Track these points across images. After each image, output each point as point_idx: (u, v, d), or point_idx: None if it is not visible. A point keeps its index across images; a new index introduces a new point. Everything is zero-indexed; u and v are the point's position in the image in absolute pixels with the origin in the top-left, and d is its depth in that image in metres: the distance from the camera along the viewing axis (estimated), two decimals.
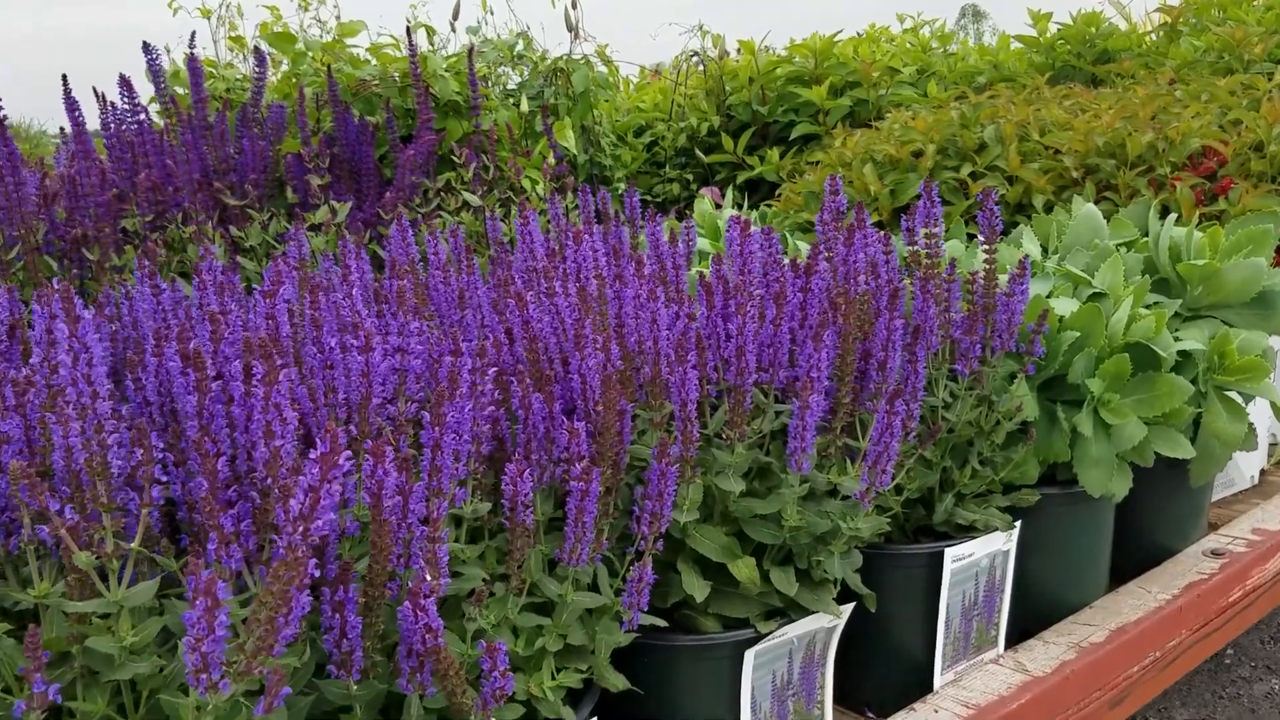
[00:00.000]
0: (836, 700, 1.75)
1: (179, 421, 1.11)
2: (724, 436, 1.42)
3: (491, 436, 1.35)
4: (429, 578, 1.07)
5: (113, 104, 2.87)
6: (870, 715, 1.72)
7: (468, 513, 1.23)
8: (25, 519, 1.00)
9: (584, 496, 1.18)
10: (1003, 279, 1.67)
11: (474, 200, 2.77)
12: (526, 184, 3.12)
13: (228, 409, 1.05)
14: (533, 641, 1.23)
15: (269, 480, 0.98)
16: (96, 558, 0.96)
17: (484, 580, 1.25)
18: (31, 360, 1.07)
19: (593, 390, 1.33)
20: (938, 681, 1.67)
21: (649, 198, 4.08)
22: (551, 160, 2.96)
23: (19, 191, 2.21)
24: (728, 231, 1.55)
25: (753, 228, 1.54)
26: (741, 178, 3.79)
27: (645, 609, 1.26)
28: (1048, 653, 1.75)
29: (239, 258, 2.57)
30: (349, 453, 0.83)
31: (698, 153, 3.93)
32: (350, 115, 3.03)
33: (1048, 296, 1.87)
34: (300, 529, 0.84)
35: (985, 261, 1.64)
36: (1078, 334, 1.74)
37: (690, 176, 4.05)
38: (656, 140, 4.17)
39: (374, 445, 1.00)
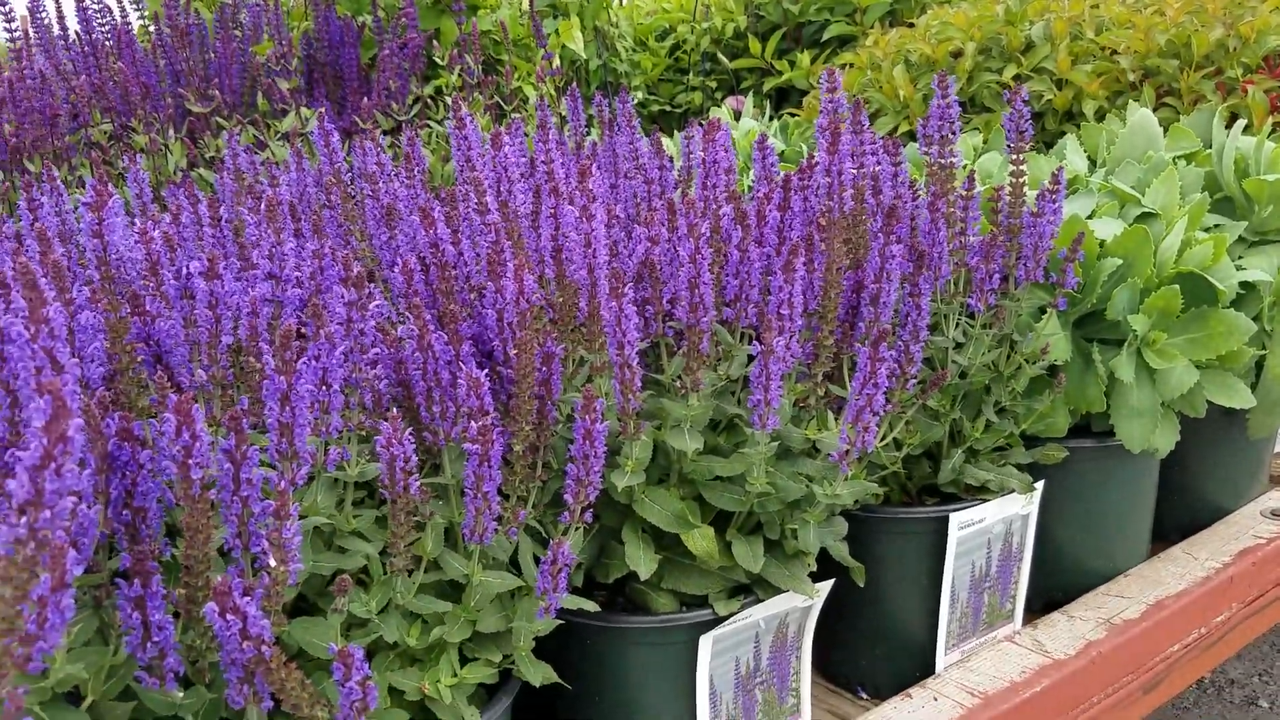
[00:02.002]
0: (826, 677, 1.54)
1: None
2: (679, 384, 1.19)
3: (398, 382, 1.13)
4: (273, 563, 0.86)
5: (77, 2, 2.65)
6: (863, 696, 1.51)
7: (352, 475, 1.02)
8: None
9: (483, 462, 0.96)
10: (1033, 196, 1.40)
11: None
12: (528, 90, 2.85)
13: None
14: (431, 630, 1.03)
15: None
16: None
17: (381, 555, 1.05)
18: None
19: (511, 328, 1.11)
20: (940, 663, 1.45)
21: (671, 108, 3.79)
22: (548, 62, 2.68)
23: None
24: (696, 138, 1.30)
25: (725, 132, 1.28)
26: (769, 85, 3.47)
27: (564, 593, 1.04)
28: (1072, 630, 1.52)
29: (201, 170, 2.36)
30: (79, 421, 0.62)
31: (722, 58, 3.62)
32: (332, 13, 2.78)
33: (1089, 217, 1.59)
34: (26, 521, 0.63)
35: (1011, 174, 1.37)
36: (1120, 262, 1.47)
37: (714, 84, 3.74)
38: (680, 44, 3.86)
39: (179, 401, 0.78)
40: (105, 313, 0.97)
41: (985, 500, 1.40)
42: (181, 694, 0.85)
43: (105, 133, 2.40)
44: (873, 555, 1.37)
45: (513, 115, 2.59)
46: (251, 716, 0.86)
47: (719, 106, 3.43)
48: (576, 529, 1.07)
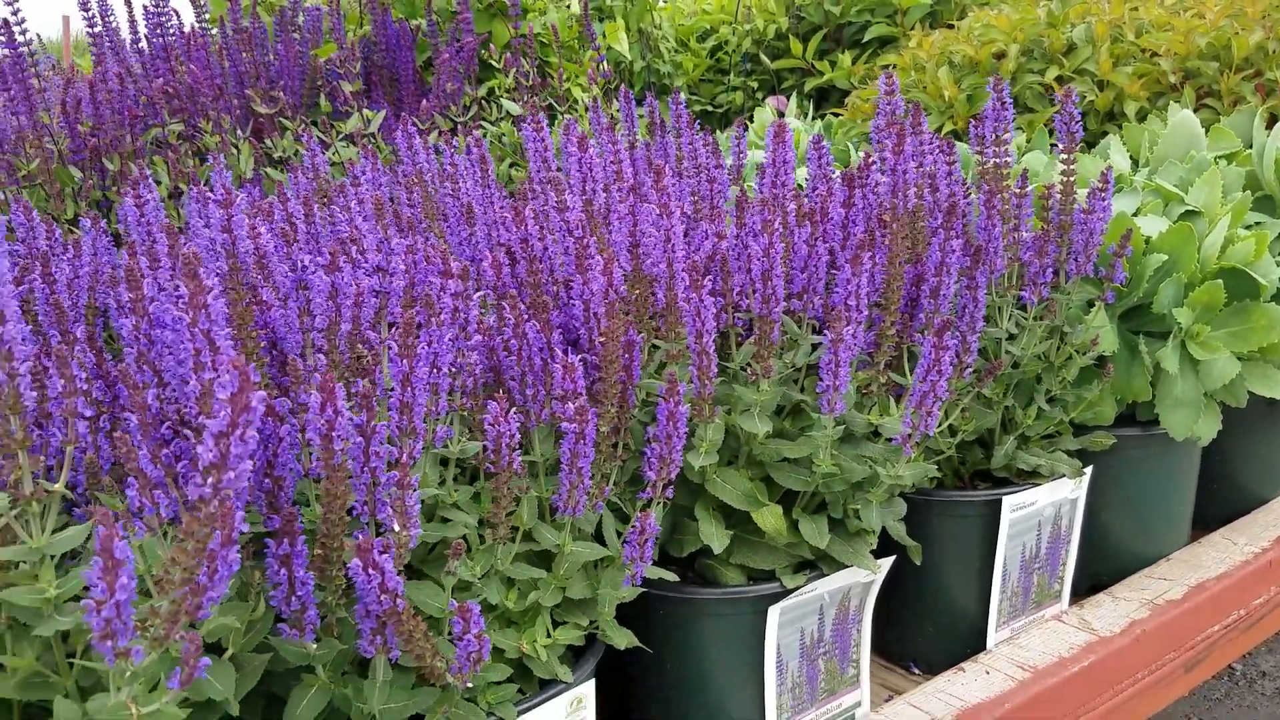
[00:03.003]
0: (879, 653, 1.61)
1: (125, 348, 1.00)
2: (750, 371, 1.26)
3: (489, 367, 1.21)
4: (397, 528, 0.95)
5: (144, 8, 2.75)
6: (915, 671, 1.58)
7: (455, 452, 1.11)
8: None
9: (578, 440, 1.05)
10: (1082, 194, 1.47)
11: (514, 109, 2.60)
12: (577, 92, 2.94)
13: (166, 334, 0.93)
14: (526, 594, 1.11)
15: (201, 418, 0.86)
16: (14, 501, 0.85)
17: (478, 525, 1.13)
18: None
19: (596, 318, 1.19)
20: (992, 639, 1.52)
21: (712, 108, 3.86)
22: (599, 65, 2.77)
23: (29, 99, 2.12)
24: (766, 138, 1.38)
25: (790, 132, 1.36)
26: (810, 85, 3.54)
27: (649, 562, 1.12)
28: (1117, 610, 1.59)
29: (268, 169, 2.46)
30: (263, 394, 0.71)
31: (763, 58, 3.69)
32: (389, 17, 2.88)
33: (1134, 214, 1.65)
34: (211, 481, 0.72)
35: (1062, 173, 1.44)
36: (1166, 257, 1.53)
37: (755, 85, 3.81)
38: (721, 45, 3.93)
39: (323, 380, 0.87)
40: (232, 302, 1.06)
41: (1036, 484, 1.47)
42: (315, 645, 0.94)
43: (175, 133, 2.50)
44: (927, 537, 1.44)
45: (565, 116, 2.68)
46: (378, 665, 0.95)
47: (760, 106, 3.50)
48: (659, 504, 1.15)
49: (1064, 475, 1.48)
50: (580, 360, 1.26)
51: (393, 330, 1.16)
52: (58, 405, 0.86)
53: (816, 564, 1.31)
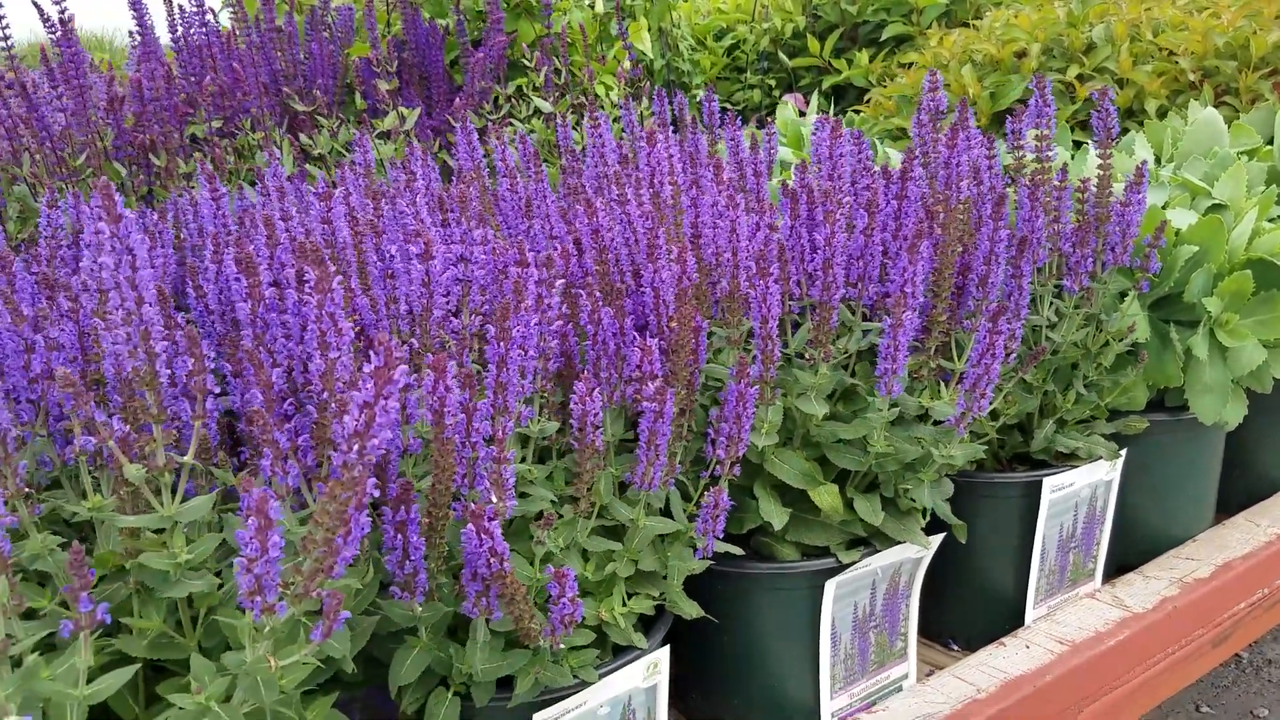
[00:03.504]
0: (918, 631, 1.68)
1: (240, 331, 1.06)
2: (806, 356, 1.33)
3: (560, 353, 1.27)
4: (495, 499, 1.01)
5: (180, 8, 2.81)
6: (954, 648, 1.65)
7: (534, 432, 1.17)
8: (76, 429, 0.96)
9: (657, 418, 1.11)
10: (1117, 188, 1.53)
11: (545, 106, 2.66)
12: (600, 90, 3.00)
13: (282, 318, 0.99)
14: (603, 566, 1.18)
15: (325, 394, 0.92)
16: (147, 471, 0.91)
17: (552, 502, 1.19)
18: (83, 264, 1.02)
19: (666, 305, 1.25)
20: (1029, 615, 1.59)
21: (729, 105, 3.92)
22: (626, 64, 2.83)
23: (83, 95, 2.17)
24: (814, 133, 1.44)
25: (844, 128, 1.42)
26: (827, 83, 3.60)
27: (720, 536, 1.18)
28: (1148, 588, 1.65)
29: (308, 166, 2.51)
30: (404, 368, 0.77)
31: (781, 56, 3.75)
32: (419, 17, 2.93)
33: (1163, 208, 1.72)
34: (356, 447, 0.78)
35: (1099, 167, 1.50)
36: (1196, 249, 1.60)
37: (773, 82, 3.87)
38: (738, 44, 3.99)
39: (435, 360, 0.93)
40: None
41: (1074, 466, 1.54)
42: (420, 608, 1.00)
43: (214, 127, 2.56)
44: (969, 517, 1.50)
45: (596, 113, 2.73)
46: (479, 627, 1.01)
47: (781, 104, 3.56)
48: (727, 480, 1.21)
49: (1101, 458, 1.55)
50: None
51: (472, 317, 1.22)
52: (174, 383, 0.92)
53: (868, 541, 1.37)
